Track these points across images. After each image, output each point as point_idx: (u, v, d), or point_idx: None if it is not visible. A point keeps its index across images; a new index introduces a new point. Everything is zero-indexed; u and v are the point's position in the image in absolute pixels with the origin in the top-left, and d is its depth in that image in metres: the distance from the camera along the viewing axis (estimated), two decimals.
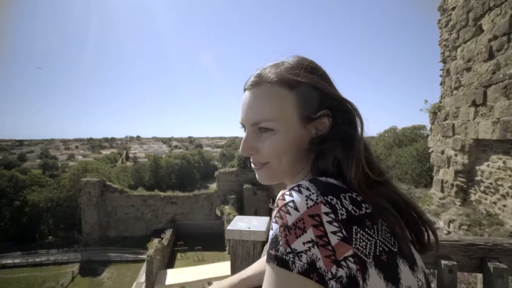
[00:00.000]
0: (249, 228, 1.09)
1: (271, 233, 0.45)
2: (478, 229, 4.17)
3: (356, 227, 0.43)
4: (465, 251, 0.98)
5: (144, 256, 19.00)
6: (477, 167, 4.84)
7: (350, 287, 0.41)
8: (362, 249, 0.42)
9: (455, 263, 0.95)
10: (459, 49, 5.18)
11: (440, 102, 6.11)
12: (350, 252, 0.41)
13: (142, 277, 18.46)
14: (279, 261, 0.41)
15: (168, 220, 25.52)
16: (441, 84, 6.07)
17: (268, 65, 0.62)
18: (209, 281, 16.89)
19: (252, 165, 0.64)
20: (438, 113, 6.00)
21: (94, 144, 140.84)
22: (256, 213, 22.72)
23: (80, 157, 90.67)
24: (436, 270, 0.99)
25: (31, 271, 22.52)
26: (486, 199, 4.59)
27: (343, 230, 0.42)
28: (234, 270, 1.09)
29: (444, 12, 5.73)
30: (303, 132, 0.58)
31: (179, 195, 26.34)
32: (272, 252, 0.43)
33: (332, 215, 0.42)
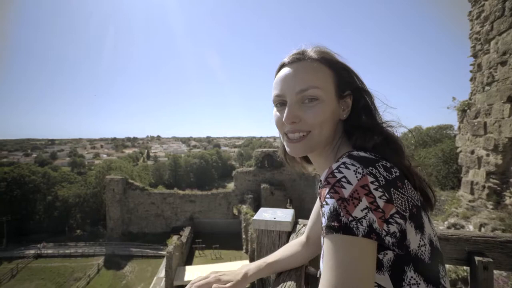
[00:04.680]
0: (274, 218, 1.11)
1: (326, 208, 0.50)
2: None
3: (392, 189, 0.51)
4: (502, 248, 0.93)
5: (163, 252, 19.61)
6: None
7: (402, 239, 0.49)
8: (400, 206, 0.50)
9: (490, 260, 0.91)
10: (492, 42, 4.85)
11: (470, 99, 5.76)
12: (394, 210, 0.49)
13: (161, 273, 19.10)
14: (344, 230, 0.46)
15: (186, 218, 26.12)
16: (471, 80, 5.71)
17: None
18: None
19: (289, 138, 0.66)
20: (468, 110, 5.66)
21: (117, 144, 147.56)
22: None
23: (104, 155, 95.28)
24: (469, 267, 0.95)
25: (62, 261, 24.06)
26: None
27: (386, 193, 0.49)
28: (259, 259, 1.12)
29: (475, 3, 5.39)
30: (338, 107, 0.66)
31: (198, 194, 26.86)
32: (335, 224, 0.47)
33: (376, 183, 0.49)
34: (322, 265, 0.53)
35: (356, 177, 0.49)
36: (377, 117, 0.67)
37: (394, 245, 0.48)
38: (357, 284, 0.43)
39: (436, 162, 15.56)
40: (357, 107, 0.66)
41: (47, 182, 33.84)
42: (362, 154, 0.56)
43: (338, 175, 0.50)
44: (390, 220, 0.48)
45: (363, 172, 0.50)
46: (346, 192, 0.48)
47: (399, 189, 0.51)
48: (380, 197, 0.48)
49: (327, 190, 0.50)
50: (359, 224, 0.46)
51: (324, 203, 0.50)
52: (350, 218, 0.46)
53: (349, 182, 0.49)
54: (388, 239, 0.48)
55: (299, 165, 0.82)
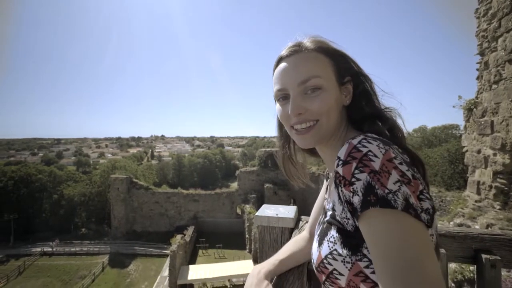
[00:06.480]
0: (277, 215, 1.10)
1: (359, 184, 0.46)
2: None
3: (413, 167, 0.49)
4: (510, 246, 0.91)
5: (167, 251, 19.70)
6: None
7: (432, 217, 0.48)
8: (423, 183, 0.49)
9: (498, 257, 0.89)
10: (500, 39, 4.77)
11: (477, 97, 5.67)
12: (422, 187, 0.47)
13: (165, 271, 19.19)
14: (383, 203, 0.43)
15: (190, 217, 26.24)
16: (477, 78, 5.62)
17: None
18: (229, 279, 17.15)
19: (297, 130, 0.65)
20: (474, 109, 5.57)
21: (122, 143, 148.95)
22: None
23: (109, 155, 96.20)
24: (475, 265, 0.93)
25: (67, 259, 24.36)
26: None
27: (410, 169, 0.47)
28: (262, 255, 1.11)
29: (482, 0, 5.31)
30: (340, 93, 0.66)
31: (201, 193, 26.96)
32: (371, 198, 0.44)
33: (399, 158, 0.47)
34: (366, 252, 0.50)
35: (380, 151, 0.47)
36: (376, 102, 0.67)
37: (429, 222, 0.46)
38: (413, 263, 0.39)
39: (441, 162, 15.36)
40: (358, 92, 0.67)
41: (53, 181, 34.25)
42: (375, 136, 0.54)
43: (363, 149, 0.48)
44: (421, 196, 0.46)
45: (384, 147, 0.48)
46: (376, 165, 0.45)
47: (413, 167, 0.50)
48: (407, 171, 0.46)
49: (355, 165, 0.47)
50: (396, 197, 0.43)
51: (353, 179, 0.47)
52: (386, 191, 0.44)
53: (375, 155, 0.46)
54: (424, 216, 0.45)
55: (299, 179, 0.80)
